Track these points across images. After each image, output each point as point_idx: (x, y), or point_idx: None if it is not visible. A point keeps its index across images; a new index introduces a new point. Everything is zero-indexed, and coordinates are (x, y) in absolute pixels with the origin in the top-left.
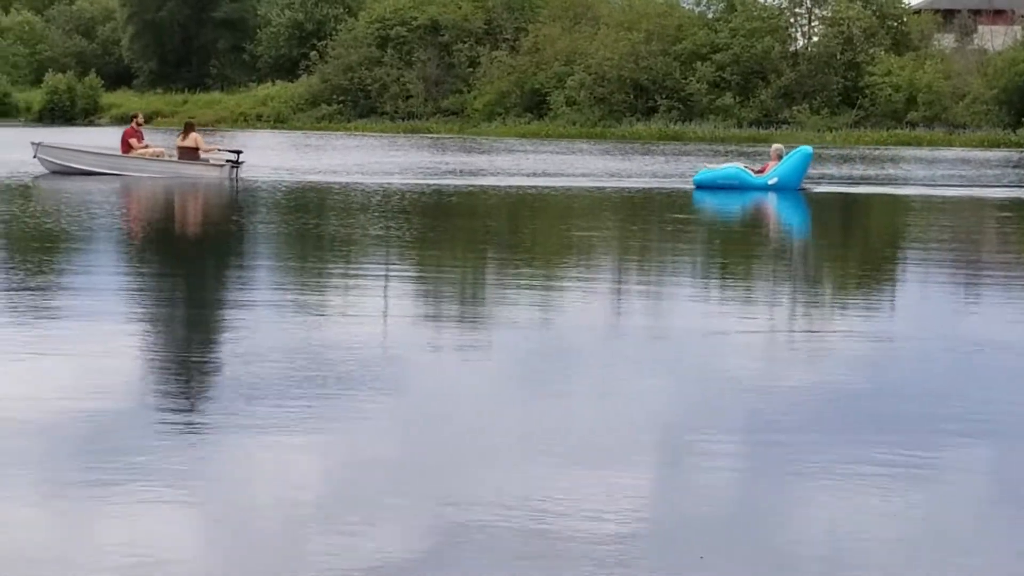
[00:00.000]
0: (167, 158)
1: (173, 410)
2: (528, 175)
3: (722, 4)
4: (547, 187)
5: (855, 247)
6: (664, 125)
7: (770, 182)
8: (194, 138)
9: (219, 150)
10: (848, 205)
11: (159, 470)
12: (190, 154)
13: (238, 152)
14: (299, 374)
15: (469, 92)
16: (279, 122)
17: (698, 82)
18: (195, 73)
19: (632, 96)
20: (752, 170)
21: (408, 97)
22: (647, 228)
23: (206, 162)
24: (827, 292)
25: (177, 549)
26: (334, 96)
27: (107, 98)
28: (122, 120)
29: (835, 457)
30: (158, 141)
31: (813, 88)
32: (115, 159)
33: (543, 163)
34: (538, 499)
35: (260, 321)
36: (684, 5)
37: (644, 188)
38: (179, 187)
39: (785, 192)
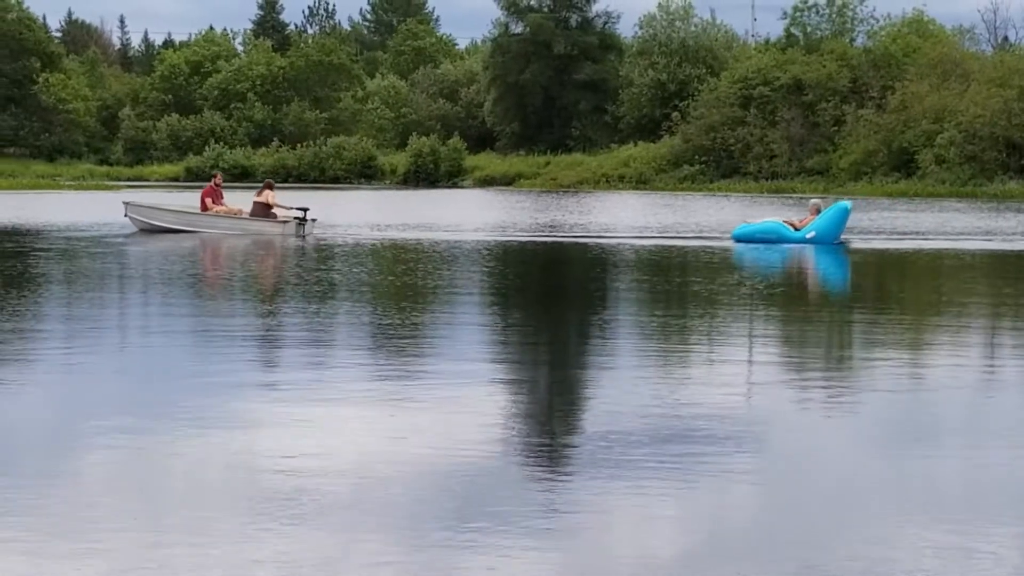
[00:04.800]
0: (241, 215)
1: (534, 463)
2: (899, 236)
3: None
4: (918, 248)
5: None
6: None
7: (808, 236)
8: (267, 195)
9: (287, 208)
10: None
11: (520, 522)
12: (262, 210)
13: (305, 209)
14: (661, 430)
15: (834, 151)
16: (641, 183)
17: None
18: (557, 135)
19: (1004, 154)
20: (791, 224)
21: (772, 157)
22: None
23: (273, 218)
24: None
25: None
26: (696, 156)
27: (470, 160)
28: (484, 183)
29: None
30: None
31: None
32: (190, 216)
33: (913, 222)
34: (905, 562)
35: (622, 376)
36: None
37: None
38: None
39: (822, 246)
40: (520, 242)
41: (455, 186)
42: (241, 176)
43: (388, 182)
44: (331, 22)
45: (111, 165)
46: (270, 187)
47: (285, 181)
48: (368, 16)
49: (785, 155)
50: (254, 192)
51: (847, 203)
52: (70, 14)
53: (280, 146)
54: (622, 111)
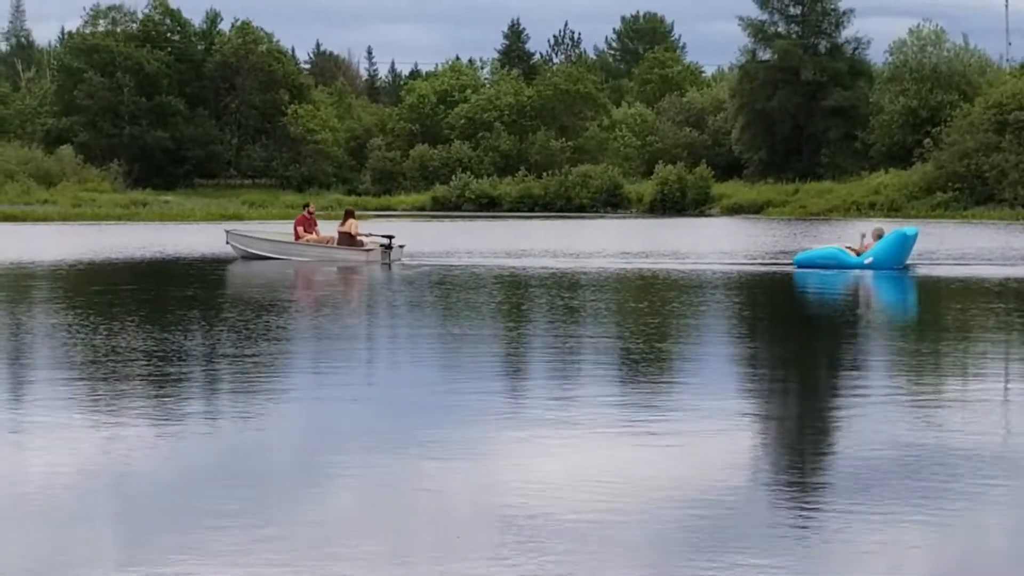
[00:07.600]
0: (332, 244)
1: (783, 493)
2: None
3: None
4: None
5: None
6: None
7: (866, 262)
8: (350, 224)
9: (371, 235)
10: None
11: (769, 554)
12: (347, 239)
13: (390, 237)
14: (913, 461)
15: None
16: (892, 210)
17: None
18: (805, 162)
19: None
20: (851, 250)
21: None
22: None
23: (360, 246)
24: None
25: None
26: (950, 183)
27: (717, 188)
28: (732, 211)
29: None
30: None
31: None
32: (282, 245)
33: None
34: None
35: (873, 409)
36: None
37: None
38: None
39: (882, 272)
40: (770, 271)
41: (702, 214)
42: (488, 205)
43: (634, 211)
44: (577, 51)
45: (359, 195)
46: (351, 215)
47: (531, 210)
48: (614, 44)
49: None
50: (338, 222)
51: (912, 229)
52: (318, 46)
53: (526, 175)
54: (872, 138)
